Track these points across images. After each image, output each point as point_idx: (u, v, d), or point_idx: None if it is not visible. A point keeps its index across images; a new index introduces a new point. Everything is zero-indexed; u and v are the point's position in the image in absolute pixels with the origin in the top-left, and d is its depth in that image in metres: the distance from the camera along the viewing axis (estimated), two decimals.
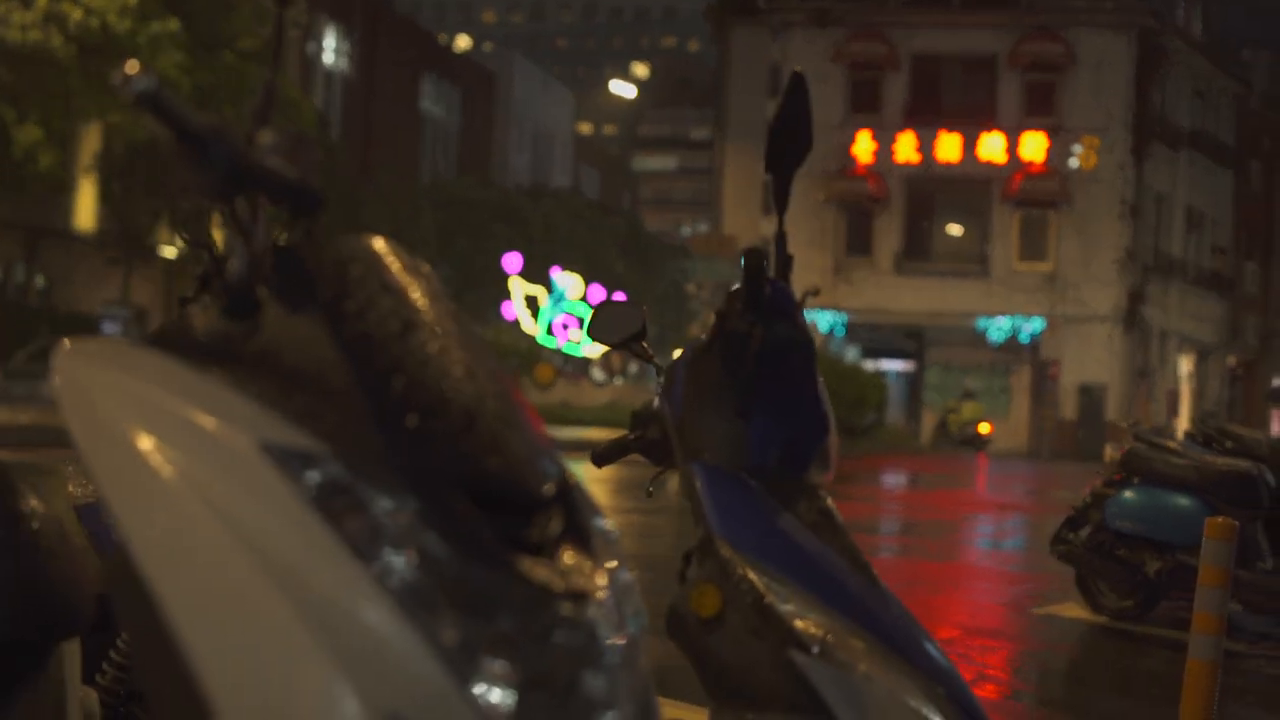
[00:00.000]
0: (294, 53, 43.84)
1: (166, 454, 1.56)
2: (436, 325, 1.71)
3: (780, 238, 2.83)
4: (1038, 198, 44.20)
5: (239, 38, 29.88)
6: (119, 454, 1.59)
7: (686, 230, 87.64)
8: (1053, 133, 43.78)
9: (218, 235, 1.87)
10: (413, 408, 1.61)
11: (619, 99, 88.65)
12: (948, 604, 10.50)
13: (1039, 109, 44.20)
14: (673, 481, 2.98)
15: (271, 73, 1.78)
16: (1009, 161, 43.93)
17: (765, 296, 2.65)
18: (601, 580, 1.68)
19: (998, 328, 44.13)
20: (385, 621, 1.48)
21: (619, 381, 62.43)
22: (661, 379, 2.88)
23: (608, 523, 1.83)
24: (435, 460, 1.60)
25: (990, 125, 44.07)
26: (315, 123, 33.04)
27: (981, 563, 14.18)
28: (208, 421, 1.57)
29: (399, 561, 1.51)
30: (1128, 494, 9.48)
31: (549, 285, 42.37)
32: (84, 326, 32.18)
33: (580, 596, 1.62)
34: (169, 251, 39.57)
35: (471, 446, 1.62)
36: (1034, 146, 43.75)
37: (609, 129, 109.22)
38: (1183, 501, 9.21)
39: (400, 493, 1.56)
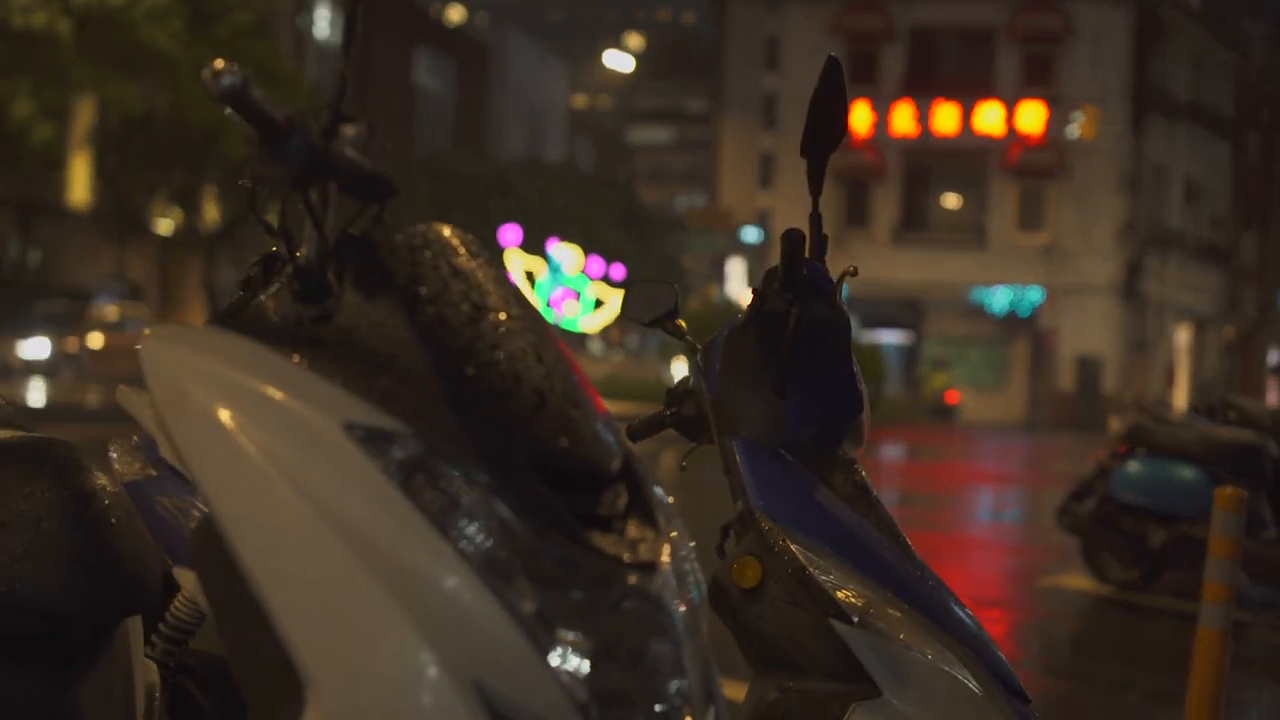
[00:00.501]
0: (286, 26, 43.68)
1: (253, 434, 1.63)
2: (505, 309, 1.78)
3: (816, 219, 2.88)
4: (1035, 169, 44.20)
5: (234, 10, 29.80)
6: (208, 434, 1.66)
7: (683, 202, 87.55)
8: (1051, 104, 43.75)
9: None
10: (486, 389, 1.68)
11: (614, 72, 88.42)
12: (953, 575, 10.57)
13: (1037, 80, 44.16)
14: (705, 456, 3.05)
15: (345, 66, 1.83)
16: (1007, 133, 43.90)
17: (803, 276, 2.71)
18: (666, 551, 1.75)
19: (995, 299, 44.16)
20: (467, 592, 1.56)
21: (618, 356, 62.52)
22: (697, 357, 2.94)
23: (667, 494, 1.90)
24: (509, 439, 1.67)
25: (988, 97, 44.02)
26: (309, 97, 32.94)
27: (985, 534, 14.26)
28: (293, 403, 1.64)
29: (477, 535, 1.59)
30: (1132, 466, 9.56)
31: (546, 259, 42.33)
32: (78, 300, 32.15)
33: (647, 567, 1.69)
34: (164, 226, 39.51)
35: (542, 426, 1.69)
36: (1032, 118, 43.72)
37: (604, 102, 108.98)
38: (1187, 473, 9.29)
39: (477, 470, 1.63)
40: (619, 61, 55.85)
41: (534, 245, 42.28)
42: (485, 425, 1.66)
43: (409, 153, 51.73)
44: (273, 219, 1.87)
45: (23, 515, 2.08)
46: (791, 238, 2.66)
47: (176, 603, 3.09)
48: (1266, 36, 57.42)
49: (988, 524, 15.30)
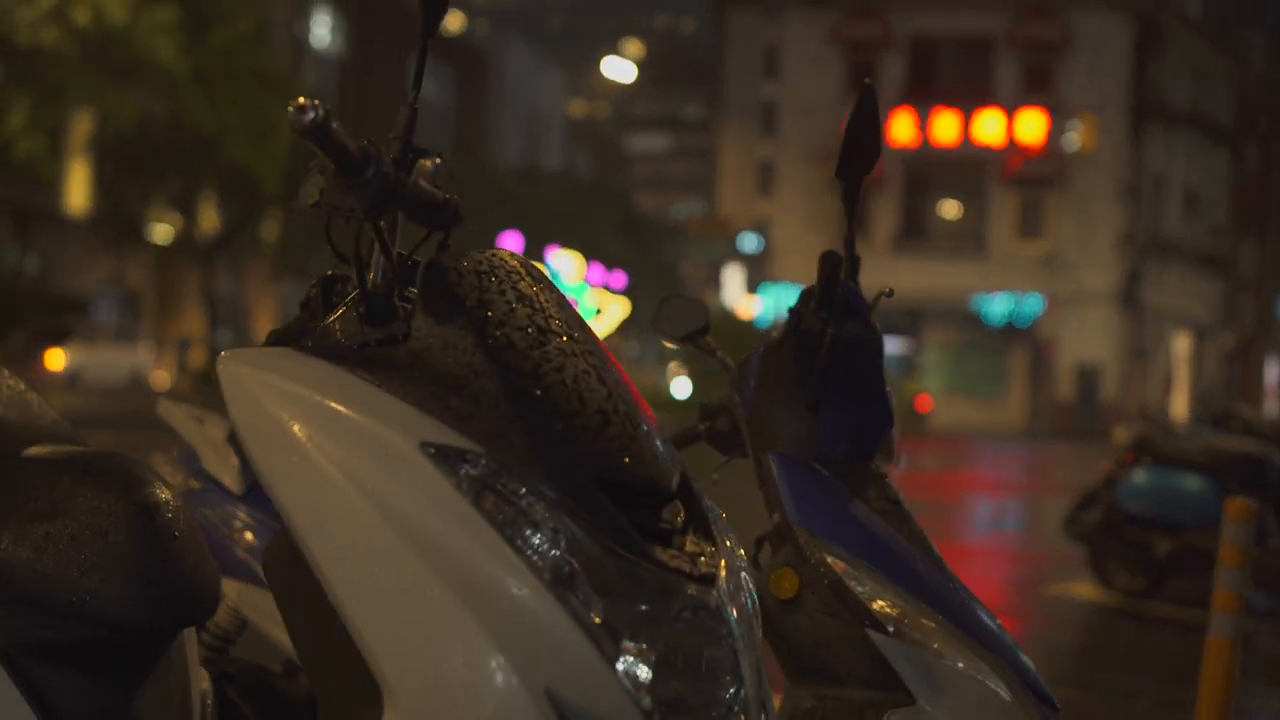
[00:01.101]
0: (284, 32, 43.76)
1: (331, 450, 1.71)
2: (567, 332, 1.85)
3: (850, 240, 2.95)
4: (1035, 178, 44.24)
5: (237, 16, 29.80)
6: (286, 451, 1.73)
7: (680, 210, 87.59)
8: (1050, 113, 43.80)
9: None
10: (553, 410, 1.75)
11: (613, 79, 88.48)
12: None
13: (1036, 89, 44.20)
14: (733, 470, 3.12)
15: (412, 97, 1.90)
16: (1007, 142, 43.95)
17: (838, 296, 2.78)
18: (723, 564, 1.83)
19: (993, 308, 44.20)
20: (537, 602, 1.64)
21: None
22: (731, 374, 3.02)
23: (720, 510, 1.98)
24: (575, 457, 1.74)
25: (988, 105, 44.06)
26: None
27: (991, 542, 14.30)
28: (369, 421, 1.72)
29: (546, 548, 1.67)
30: (1138, 476, 9.63)
31: (545, 266, 42.21)
32: (75, 308, 32.16)
33: (706, 580, 1.77)
34: (162, 234, 39.53)
35: (606, 445, 1.77)
36: (1031, 127, 43.77)
37: (603, 109, 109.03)
38: (1193, 483, 9.36)
39: (545, 487, 1.71)
40: (620, 70, 55.98)
41: (533, 253, 42.27)
42: (552, 444, 1.74)
43: None
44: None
45: (91, 528, 2.14)
46: (830, 259, 2.74)
47: (219, 612, 3.17)
48: (1266, 45, 57.49)
49: (991, 532, 15.35)
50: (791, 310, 2.86)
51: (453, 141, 64.74)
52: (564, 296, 1.94)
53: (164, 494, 2.25)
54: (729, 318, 40.61)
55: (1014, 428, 43.11)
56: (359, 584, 1.66)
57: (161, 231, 39.91)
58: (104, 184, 36.65)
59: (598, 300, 43.46)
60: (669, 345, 3.25)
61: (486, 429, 1.72)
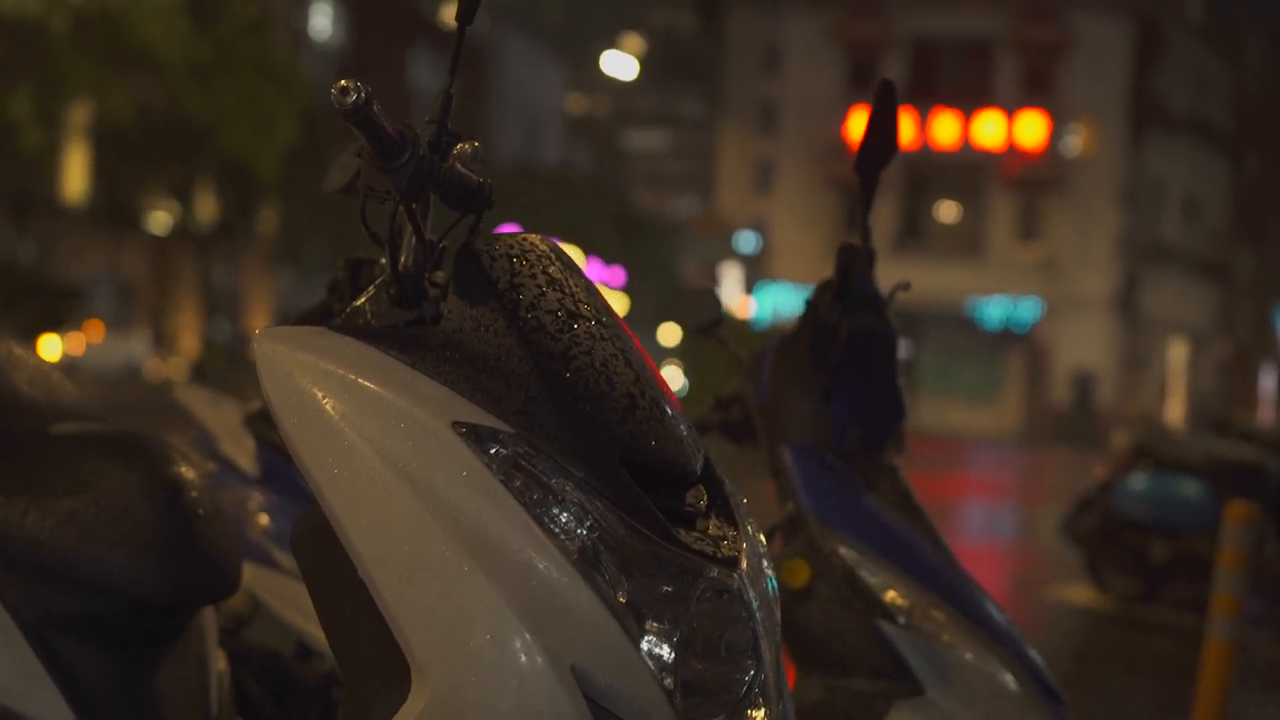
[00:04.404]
0: (283, 23, 43.73)
1: (365, 428, 1.73)
2: (596, 316, 1.87)
3: (865, 233, 2.97)
4: (1034, 181, 44.25)
5: (233, 8, 29.77)
6: (320, 428, 1.75)
7: (679, 207, 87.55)
8: (1050, 116, 43.80)
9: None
10: (582, 392, 1.77)
11: (613, 75, 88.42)
12: None
13: (1036, 92, 44.19)
14: (748, 460, 3.14)
15: (449, 82, 1.92)
16: (1006, 144, 43.95)
17: (854, 289, 2.80)
18: (744, 548, 1.85)
19: (989, 312, 44.21)
20: (566, 582, 1.66)
21: None
22: (745, 365, 3.04)
23: (740, 494, 2.00)
24: (602, 439, 1.76)
25: (987, 107, 44.06)
26: (308, 96, 32.88)
27: (986, 546, 14.33)
28: (402, 400, 1.74)
29: (574, 527, 1.69)
30: (1137, 480, 9.66)
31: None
32: (71, 296, 32.12)
33: (729, 563, 1.79)
34: (160, 219, 39.48)
35: (634, 428, 1.79)
36: (1031, 130, 43.77)
37: (601, 105, 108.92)
38: (1191, 488, 9.39)
39: (574, 467, 1.73)
40: (620, 66, 55.96)
41: None
42: (580, 425, 1.76)
43: None
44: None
45: (117, 504, 2.16)
46: (846, 252, 2.77)
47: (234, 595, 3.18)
48: (1266, 50, 57.53)
49: (988, 536, 15.37)
50: (808, 301, 2.89)
51: None
52: (591, 283, 1.95)
53: (189, 473, 2.27)
54: (727, 316, 40.58)
55: (1009, 432, 43.12)
56: (389, 559, 1.67)
57: (159, 220, 39.88)
58: (102, 172, 36.60)
59: None
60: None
61: (517, 409, 1.74)
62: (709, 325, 3.23)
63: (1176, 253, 48.19)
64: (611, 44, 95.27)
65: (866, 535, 2.69)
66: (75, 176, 37.79)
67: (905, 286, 3.00)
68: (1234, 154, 53.73)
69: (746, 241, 48.36)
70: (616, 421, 1.77)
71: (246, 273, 45.60)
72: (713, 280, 52.21)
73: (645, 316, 47.18)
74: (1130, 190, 44.58)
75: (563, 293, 1.86)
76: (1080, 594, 10.14)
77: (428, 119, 1.91)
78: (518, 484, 1.69)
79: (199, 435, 3.47)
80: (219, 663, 2.51)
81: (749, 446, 3.07)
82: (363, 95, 1.74)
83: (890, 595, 2.62)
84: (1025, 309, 43.94)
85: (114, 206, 37.17)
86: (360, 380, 1.75)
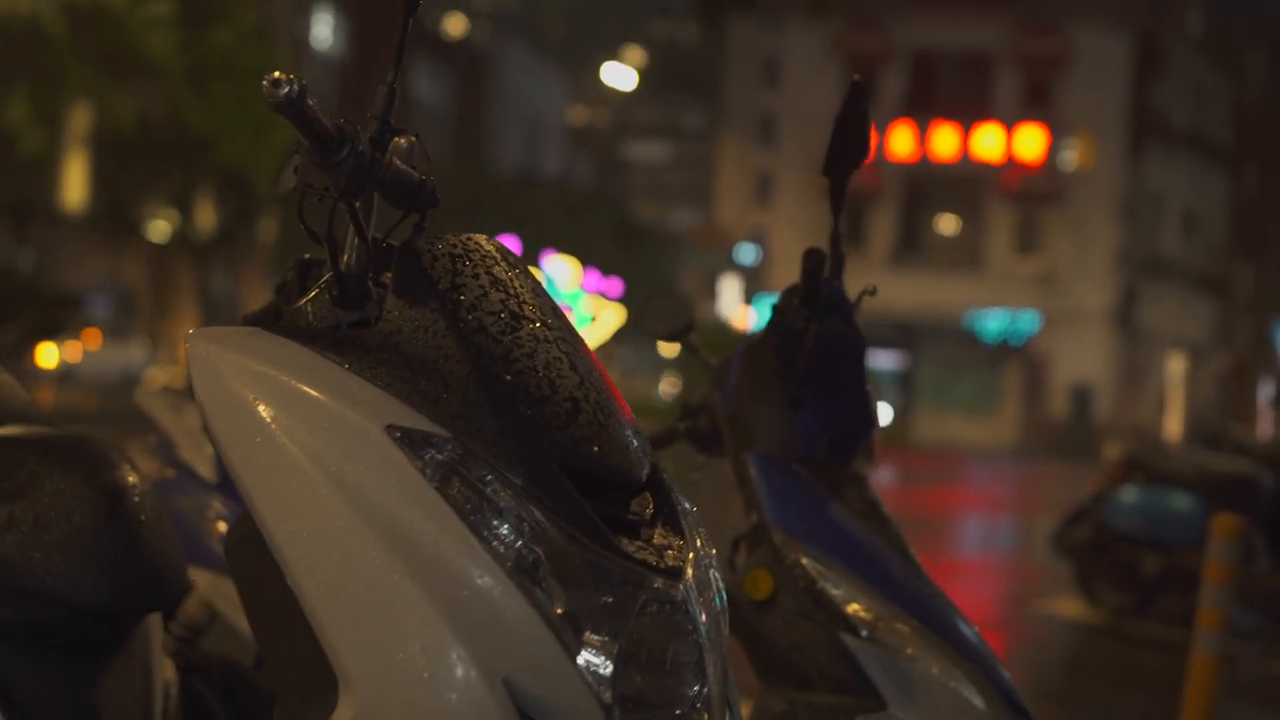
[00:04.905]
0: (283, 32, 43.77)
1: (296, 432, 1.68)
2: (541, 318, 1.82)
3: (836, 238, 2.93)
4: (1033, 194, 44.26)
5: (232, 15, 29.74)
6: (251, 432, 1.70)
7: (678, 219, 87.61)
8: (1049, 129, 43.81)
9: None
10: (523, 395, 1.73)
11: (613, 86, 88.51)
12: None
13: (1036, 104, 44.22)
14: (712, 470, 3.09)
15: (391, 77, 1.88)
16: (1005, 156, 43.96)
17: (821, 294, 2.75)
18: (691, 559, 1.80)
19: (988, 325, 44.19)
20: (499, 591, 1.61)
21: (613, 371, 62.48)
22: (713, 372, 2.99)
23: (690, 503, 1.95)
24: (543, 444, 1.71)
25: (987, 120, 44.07)
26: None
27: (978, 558, 14.29)
28: (335, 404, 1.69)
29: (510, 537, 1.64)
30: (1128, 493, 9.60)
31: (541, 272, 42.37)
32: (70, 304, 32.07)
33: (673, 574, 1.74)
34: (159, 228, 39.48)
35: (576, 433, 1.74)
36: (1030, 142, 43.78)
37: (602, 116, 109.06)
38: (1183, 502, 9.33)
39: (512, 474, 1.68)
40: (620, 78, 55.99)
41: (530, 258, 42.34)
42: (521, 430, 1.71)
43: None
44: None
45: (56, 510, 2.12)
46: (812, 256, 2.72)
47: (189, 603, 3.13)
48: (1266, 64, 57.56)
49: (981, 548, 15.33)
50: (774, 307, 2.84)
51: (452, 145, 64.77)
52: (539, 284, 1.91)
53: (131, 478, 2.22)
54: (724, 328, 40.55)
55: (1007, 445, 43.07)
56: (319, 567, 1.63)
57: (158, 229, 39.88)
58: (102, 180, 36.61)
59: (593, 307, 43.50)
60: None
61: (455, 413, 1.70)
62: (679, 332, 3.18)
63: (1175, 267, 48.19)
64: (613, 55, 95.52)
65: (831, 546, 2.64)
66: (74, 185, 37.82)
67: (872, 291, 2.95)
68: (1233, 168, 53.76)
69: (746, 253, 48.37)
70: (558, 426, 1.73)
71: (246, 281, 45.61)
72: (710, 291, 52.28)
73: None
74: (1129, 204, 44.57)
75: (507, 294, 1.82)
76: (1071, 607, 10.09)
77: (370, 114, 1.87)
78: (453, 490, 1.65)
79: (160, 441, 3.43)
80: (166, 672, 2.46)
81: (717, 455, 3.03)
82: (296, 88, 1.69)
83: (854, 608, 2.57)
84: (1023, 322, 43.92)
85: (113, 214, 37.18)
86: (293, 382, 1.71)
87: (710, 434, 3.01)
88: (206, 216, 38.91)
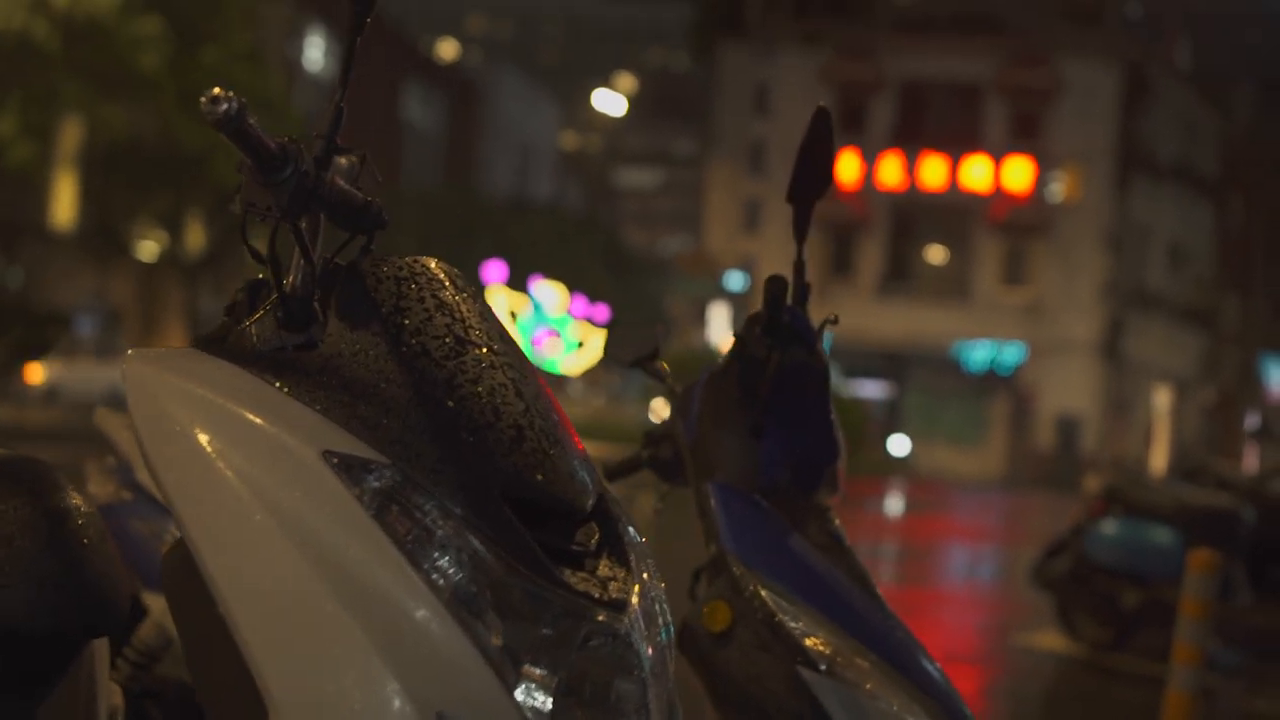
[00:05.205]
0: (276, 54, 43.80)
1: (230, 458, 1.64)
2: (488, 343, 1.79)
3: (799, 266, 2.90)
4: (1021, 225, 44.34)
5: (224, 36, 29.76)
6: (185, 456, 1.66)
7: (668, 245, 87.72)
8: (1037, 160, 43.93)
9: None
10: (466, 421, 1.69)
11: (603, 111, 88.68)
12: (926, 631, 10.55)
13: (1024, 136, 44.33)
14: (680, 499, 3.06)
15: (338, 95, 1.85)
16: (993, 188, 44.05)
17: (784, 322, 2.72)
18: (636, 591, 1.76)
19: (974, 355, 44.23)
20: (435, 624, 1.57)
21: (599, 398, 62.53)
22: (674, 400, 2.96)
23: (640, 535, 1.91)
24: (485, 472, 1.68)
25: (975, 151, 44.19)
26: (300, 125, 32.94)
27: (960, 590, 14.25)
28: (271, 428, 1.65)
29: (449, 567, 1.60)
30: (1108, 526, 9.56)
31: (529, 297, 42.39)
32: (58, 322, 32.03)
33: (617, 606, 1.70)
34: (148, 249, 39.43)
35: (519, 461, 1.70)
36: (1018, 173, 43.89)
37: (594, 142, 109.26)
38: (1162, 535, 9.29)
39: (452, 502, 1.65)
40: (610, 103, 56.12)
41: (518, 283, 42.35)
42: (463, 457, 1.68)
43: (396, 186, 51.81)
44: (260, 245, 1.89)
45: None
46: (774, 284, 2.69)
47: (144, 628, 3.09)
48: (1253, 98, 57.78)
49: (962, 579, 15.30)
50: (736, 335, 2.81)
51: (443, 169, 64.82)
52: (489, 308, 1.88)
53: (74, 500, 2.18)
54: (713, 356, 40.53)
55: (994, 475, 43.08)
56: (251, 597, 1.59)
57: (147, 248, 39.82)
58: (91, 198, 36.55)
59: (580, 333, 43.46)
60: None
61: (395, 439, 1.67)
62: (644, 359, 3.15)
63: (1162, 299, 48.29)
64: (605, 82, 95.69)
65: (791, 578, 2.60)
66: (64, 203, 37.74)
67: (833, 321, 2.91)
68: (1220, 201, 53.92)
69: (735, 280, 48.40)
70: (501, 454, 1.70)
71: None
72: (699, 319, 52.32)
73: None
74: (1116, 235, 44.67)
75: (453, 318, 1.79)
76: (1051, 640, 10.05)
77: (315, 134, 1.84)
78: (391, 519, 1.61)
79: (120, 462, 3.39)
80: (113, 698, 2.42)
81: (681, 484, 2.99)
82: (234, 105, 1.66)
83: (812, 641, 2.53)
84: (1010, 353, 43.97)
85: (102, 233, 37.10)
86: (229, 405, 1.68)
87: (673, 462, 2.98)
88: (196, 236, 38.86)
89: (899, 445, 42.61)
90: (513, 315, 41.52)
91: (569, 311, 42.83)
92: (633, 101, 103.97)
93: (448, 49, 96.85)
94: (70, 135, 33.52)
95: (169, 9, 27.43)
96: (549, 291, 42.60)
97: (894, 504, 27.09)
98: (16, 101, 25.49)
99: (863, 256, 44.64)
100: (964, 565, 16.92)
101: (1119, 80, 44.55)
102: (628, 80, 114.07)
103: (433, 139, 65.77)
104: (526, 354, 1.87)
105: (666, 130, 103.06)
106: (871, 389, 44.94)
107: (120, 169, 33.26)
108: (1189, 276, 51.33)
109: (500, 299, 41.10)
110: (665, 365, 3.14)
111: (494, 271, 41.49)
